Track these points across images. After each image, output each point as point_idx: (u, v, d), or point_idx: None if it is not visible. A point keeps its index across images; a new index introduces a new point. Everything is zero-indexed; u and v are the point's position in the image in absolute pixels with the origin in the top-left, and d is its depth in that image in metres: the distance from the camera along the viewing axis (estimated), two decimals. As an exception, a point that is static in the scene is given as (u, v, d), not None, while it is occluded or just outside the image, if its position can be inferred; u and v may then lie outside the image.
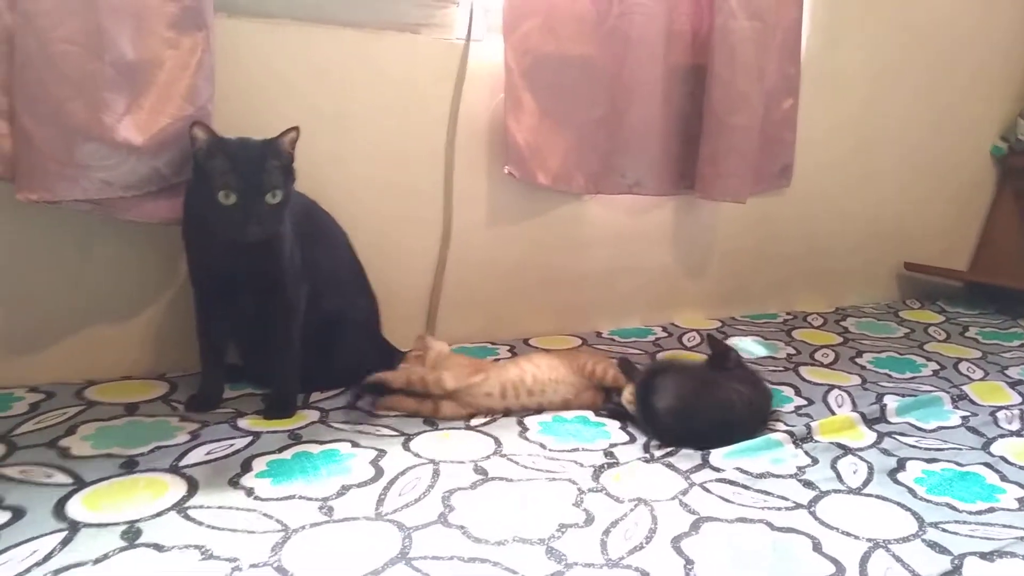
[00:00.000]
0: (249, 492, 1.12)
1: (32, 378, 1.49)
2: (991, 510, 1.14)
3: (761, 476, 1.23)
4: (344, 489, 1.14)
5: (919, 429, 1.43)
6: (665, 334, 2.00)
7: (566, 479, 1.19)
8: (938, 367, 1.78)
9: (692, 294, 2.16)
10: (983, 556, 1.01)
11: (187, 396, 1.45)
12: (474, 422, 1.41)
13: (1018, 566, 1.00)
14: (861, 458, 1.30)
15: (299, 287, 1.44)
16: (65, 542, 0.98)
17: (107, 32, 1.32)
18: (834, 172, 2.26)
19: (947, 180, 2.46)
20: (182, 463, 1.20)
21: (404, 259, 1.79)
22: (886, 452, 1.32)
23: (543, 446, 1.32)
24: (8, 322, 1.48)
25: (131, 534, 1.00)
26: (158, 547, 0.98)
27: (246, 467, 1.20)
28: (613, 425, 1.41)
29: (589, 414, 1.45)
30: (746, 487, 1.19)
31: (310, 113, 1.61)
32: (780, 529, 1.07)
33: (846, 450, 1.32)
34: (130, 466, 1.18)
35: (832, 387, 1.62)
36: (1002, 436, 1.39)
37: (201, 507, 1.08)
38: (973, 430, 1.42)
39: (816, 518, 1.10)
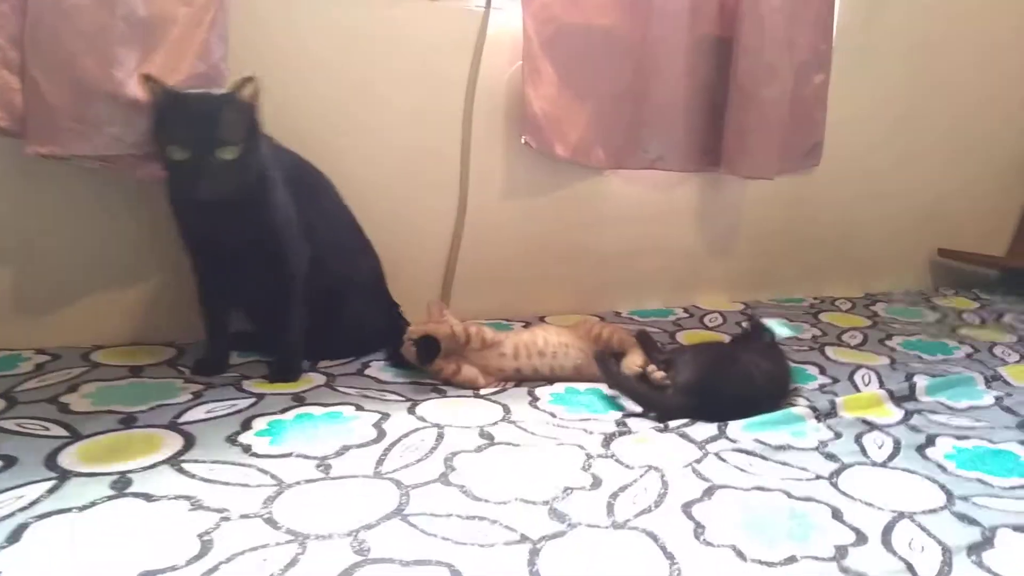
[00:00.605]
0: (246, 449, 1.10)
1: (39, 340, 1.48)
2: (1027, 486, 1.07)
3: (780, 448, 1.17)
4: (344, 449, 1.11)
5: (950, 408, 1.35)
6: (686, 315, 1.94)
7: (574, 444, 1.15)
8: (972, 350, 1.70)
9: (716, 275, 2.09)
10: (1017, 528, 0.95)
11: (194, 360, 1.42)
12: (484, 392, 1.36)
13: (1056, 541, 0.93)
14: (888, 434, 1.23)
15: (299, 251, 1.39)
16: (52, 490, 0.96)
17: (119, -15, 1.31)
18: (867, 153, 2.17)
19: (987, 163, 2.36)
20: (180, 420, 1.18)
21: (419, 231, 1.75)
22: (914, 429, 1.26)
23: (553, 415, 1.27)
24: (16, 282, 1.47)
25: (120, 483, 0.98)
26: (147, 497, 0.95)
27: (246, 426, 1.17)
28: (626, 399, 1.35)
29: (603, 387, 1.40)
30: (764, 458, 1.13)
31: (327, 79, 1.60)
32: (798, 498, 1.01)
33: (872, 426, 1.26)
34: (128, 422, 1.17)
35: (859, 366, 1.55)
36: (1040, 416, 1.32)
37: (195, 461, 1.05)
38: (1008, 409, 1.35)
39: (837, 488, 1.05)
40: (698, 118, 1.90)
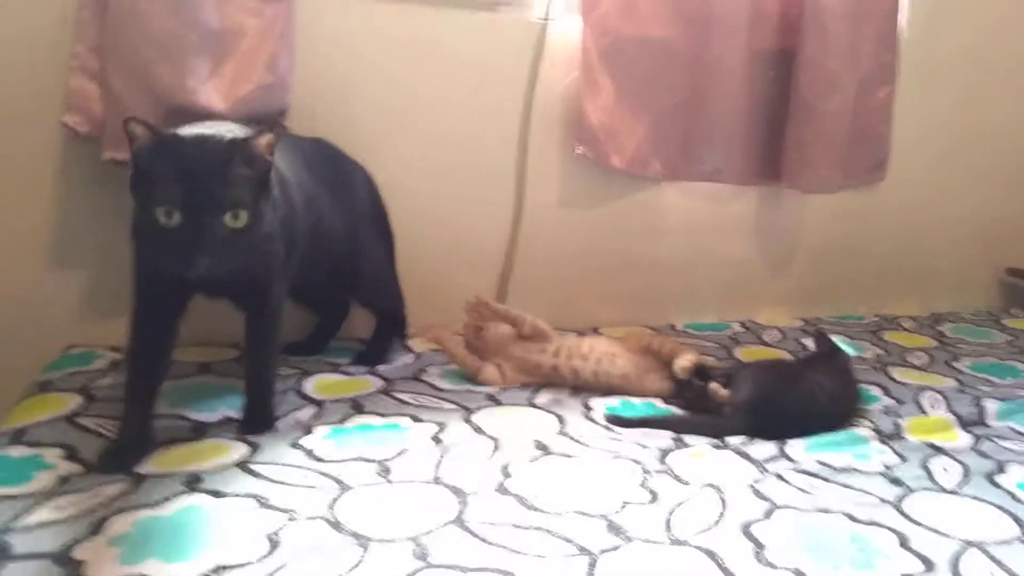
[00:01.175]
0: (309, 453, 1.12)
1: (115, 339, 1.53)
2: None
3: (843, 470, 1.14)
4: (402, 453, 1.12)
5: (1021, 434, 1.31)
6: (744, 330, 1.91)
7: (631, 459, 1.14)
8: (1045, 374, 1.64)
9: (774, 290, 2.06)
10: (1097, 563, 0.91)
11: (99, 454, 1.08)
12: (538, 400, 1.37)
13: None
14: (955, 459, 1.20)
15: (282, 287, 1.21)
16: (129, 489, 0.99)
17: (194, -1, 1.35)
18: (933, 167, 2.12)
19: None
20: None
21: (475, 240, 1.77)
22: (984, 455, 1.22)
23: (608, 427, 1.27)
24: (91, 283, 1.54)
25: (193, 482, 1.01)
26: (217, 494, 0.98)
27: (308, 432, 1.19)
28: (683, 414, 1.34)
29: (658, 401, 1.39)
30: (826, 480, 1.11)
31: (388, 89, 1.63)
32: (862, 522, 0.99)
33: (938, 450, 1.23)
34: (199, 432, 1.18)
35: (925, 388, 1.51)
36: (1120, 445, 1.26)
37: (262, 463, 1.08)
38: (1086, 438, 1.30)
39: (903, 514, 1.02)
40: (756, 131, 1.88)
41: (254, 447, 1.13)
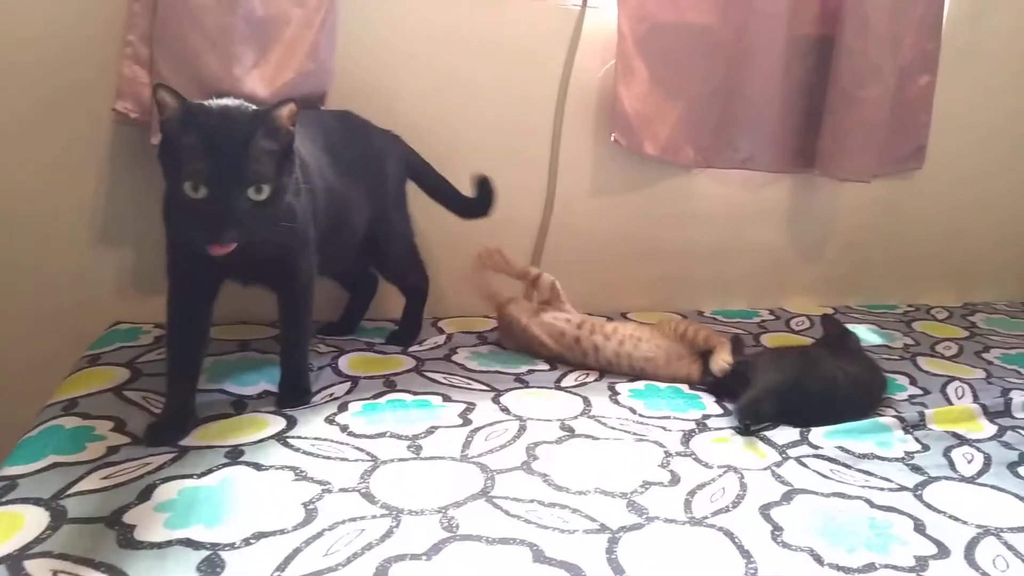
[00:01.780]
0: (343, 428, 1.17)
1: (158, 316, 1.59)
2: None
3: (864, 457, 1.16)
4: (432, 430, 1.17)
5: (1049, 427, 1.31)
6: (773, 317, 1.92)
7: (653, 441, 1.17)
8: (1078, 368, 1.62)
9: (805, 278, 2.06)
10: (1114, 555, 0.92)
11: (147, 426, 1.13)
12: (564, 383, 1.40)
13: None
14: (978, 449, 1.20)
15: (312, 262, 1.24)
16: (174, 459, 1.05)
17: (240, -13, 1.39)
18: (972, 157, 2.09)
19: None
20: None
21: (507, 223, 1.78)
22: (1007, 445, 1.22)
23: (633, 411, 1.30)
24: (137, 261, 1.60)
25: (234, 454, 1.07)
26: (257, 466, 1.04)
27: (343, 408, 1.24)
28: (709, 398, 1.37)
29: (684, 386, 1.42)
30: (847, 466, 1.13)
31: (427, 75, 1.66)
32: (880, 507, 1.01)
33: (962, 440, 1.23)
34: (239, 407, 1.23)
35: (952, 379, 1.51)
36: None
37: (299, 437, 1.13)
38: (1114, 431, 1.29)
39: (922, 501, 1.04)
40: (791, 118, 1.87)
41: (291, 422, 1.18)
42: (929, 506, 1.02)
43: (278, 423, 1.17)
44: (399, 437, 1.14)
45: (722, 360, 1.37)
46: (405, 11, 1.62)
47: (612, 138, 1.75)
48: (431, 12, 1.64)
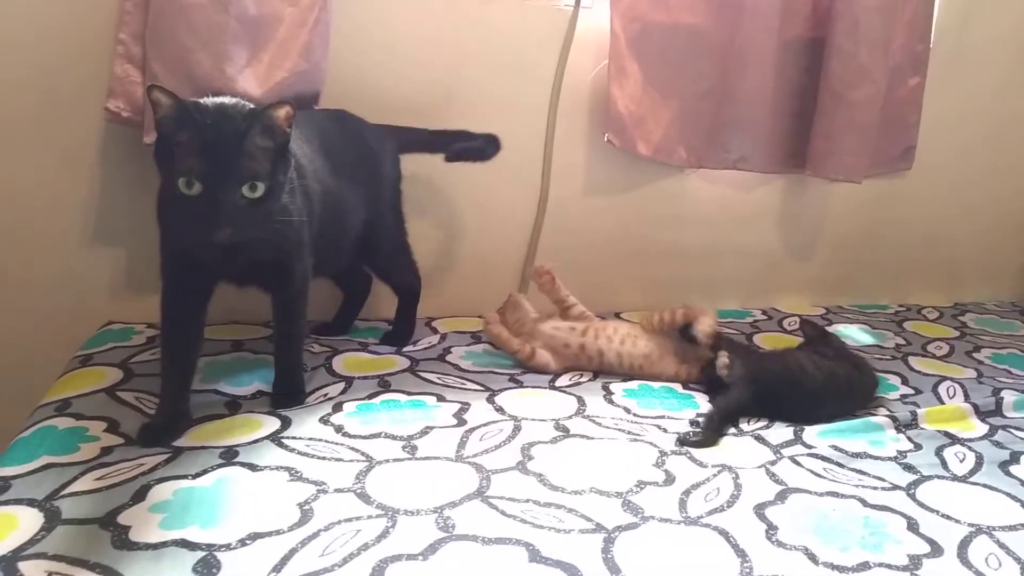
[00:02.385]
0: (338, 429, 1.17)
1: (150, 316, 1.59)
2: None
3: (857, 456, 1.17)
4: (427, 430, 1.17)
5: (1039, 426, 1.32)
6: (765, 317, 1.93)
7: (648, 442, 1.18)
8: (1067, 367, 1.64)
9: (796, 278, 2.07)
10: (1105, 552, 0.93)
11: (140, 427, 1.13)
12: (559, 383, 1.40)
13: None
14: (970, 448, 1.21)
15: (307, 263, 1.24)
16: (168, 460, 1.05)
17: (233, -14, 1.39)
18: (961, 158, 2.10)
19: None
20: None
21: (501, 224, 1.80)
22: (998, 445, 1.23)
23: (627, 410, 1.30)
24: (129, 261, 1.59)
25: (228, 455, 1.06)
26: (252, 467, 1.03)
27: (337, 408, 1.24)
28: (703, 398, 1.37)
29: (678, 386, 1.42)
30: (840, 465, 1.14)
31: (417, 76, 1.65)
32: (873, 506, 1.02)
33: (954, 439, 1.24)
34: (233, 407, 1.23)
35: (943, 378, 1.52)
36: None
37: (293, 438, 1.13)
38: (1103, 430, 1.31)
39: (914, 500, 1.05)
40: (783, 119, 1.88)
41: (286, 422, 1.18)
42: (922, 505, 1.03)
43: (272, 423, 1.17)
44: (394, 437, 1.14)
45: (706, 325, 1.39)
46: (398, 11, 1.62)
47: (605, 138, 1.76)
48: (424, 12, 1.64)
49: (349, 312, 1.64)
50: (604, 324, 1.50)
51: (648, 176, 1.87)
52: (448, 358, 1.50)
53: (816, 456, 1.16)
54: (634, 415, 1.28)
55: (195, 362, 1.21)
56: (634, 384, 1.41)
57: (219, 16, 1.39)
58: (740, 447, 1.18)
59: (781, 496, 1.03)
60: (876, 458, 1.16)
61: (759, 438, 1.21)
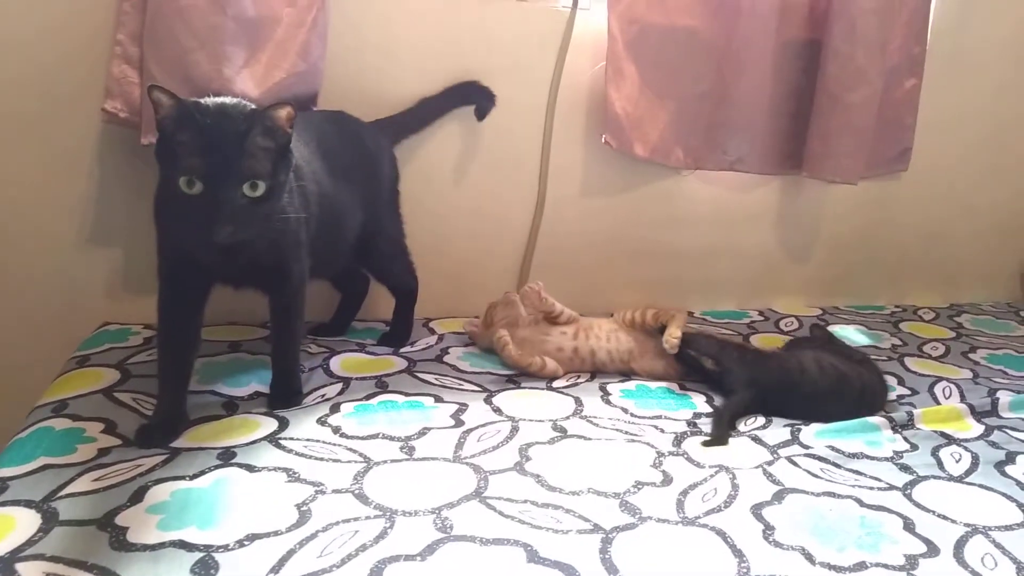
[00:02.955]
0: (336, 430, 1.17)
1: (147, 317, 1.58)
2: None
3: (854, 456, 1.17)
4: (425, 431, 1.17)
5: (1034, 426, 1.33)
6: (762, 318, 1.93)
7: (645, 442, 1.18)
8: (1062, 368, 1.65)
9: (793, 279, 2.07)
10: (1100, 552, 0.94)
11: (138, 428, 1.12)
12: (556, 384, 1.41)
13: None
14: (966, 448, 1.22)
15: (304, 265, 1.23)
16: (166, 461, 1.05)
17: (230, -13, 1.39)
18: (958, 160, 2.11)
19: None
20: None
21: (498, 224, 1.80)
22: (994, 445, 1.24)
23: (625, 410, 1.31)
24: (126, 262, 1.59)
25: (226, 456, 1.06)
26: (250, 468, 1.03)
27: (334, 409, 1.24)
28: (700, 398, 1.38)
29: (675, 386, 1.42)
30: (837, 465, 1.14)
31: (414, 77, 1.65)
32: (870, 506, 1.02)
33: (950, 439, 1.25)
34: (230, 408, 1.23)
35: (939, 379, 1.53)
36: None
37: (291, 439, 1.13)
38: (1099, 430, 1.31)
39: (911, 500, 1.05)
40: (780, 121, 1.88)
41: (283, 423, 1.18)
42: (918, 505, 1.04)
43: (270, 424, 1.17)
44: (391, 438, 1.14)
45: (670, 336, 1.40)
46: (396, 12, 1.62)
47: (603, 139, 1.76)
48: (422, 13, 1.64)
49: (347, 313, 1.64)
50: (589, 323, 1.51)
51: (645, 177, 1.87)
52: (446, 359, 1.50)
53: (813, 456, 1.16)
54: (631, 415, 1.29)
55: (192, 363, 1.21)
56: (631, 384, 1.42)
57: (217, 17, 1.39)
58: (737, 447, 1.18)
59: (778, 496, 1.04)
60: (872, 458, 1.17)
61: (756, 439, 1.22)
